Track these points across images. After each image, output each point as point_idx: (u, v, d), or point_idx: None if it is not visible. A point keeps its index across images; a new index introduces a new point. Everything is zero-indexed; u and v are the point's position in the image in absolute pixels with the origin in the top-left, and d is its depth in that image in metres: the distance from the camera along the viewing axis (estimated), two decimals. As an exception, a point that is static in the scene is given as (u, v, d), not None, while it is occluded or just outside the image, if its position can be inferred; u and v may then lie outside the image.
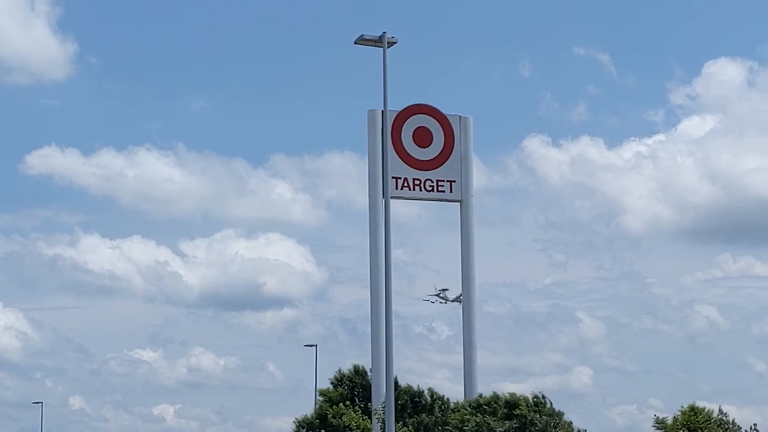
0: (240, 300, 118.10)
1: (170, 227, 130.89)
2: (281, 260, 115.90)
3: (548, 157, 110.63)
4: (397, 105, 53.93)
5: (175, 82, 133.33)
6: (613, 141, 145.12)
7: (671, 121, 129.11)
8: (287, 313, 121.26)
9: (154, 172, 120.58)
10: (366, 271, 52.75)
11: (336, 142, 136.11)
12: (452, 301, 66.20)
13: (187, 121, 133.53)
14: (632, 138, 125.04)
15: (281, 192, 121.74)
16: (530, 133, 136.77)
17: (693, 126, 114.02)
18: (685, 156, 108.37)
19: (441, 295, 64.71)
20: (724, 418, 41.17)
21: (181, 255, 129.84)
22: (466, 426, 45.66)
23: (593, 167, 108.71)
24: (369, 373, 53.62)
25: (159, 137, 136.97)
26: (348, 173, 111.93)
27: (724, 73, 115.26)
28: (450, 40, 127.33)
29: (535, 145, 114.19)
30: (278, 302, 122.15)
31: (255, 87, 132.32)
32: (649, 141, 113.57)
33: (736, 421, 41.62)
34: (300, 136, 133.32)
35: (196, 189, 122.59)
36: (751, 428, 39.77)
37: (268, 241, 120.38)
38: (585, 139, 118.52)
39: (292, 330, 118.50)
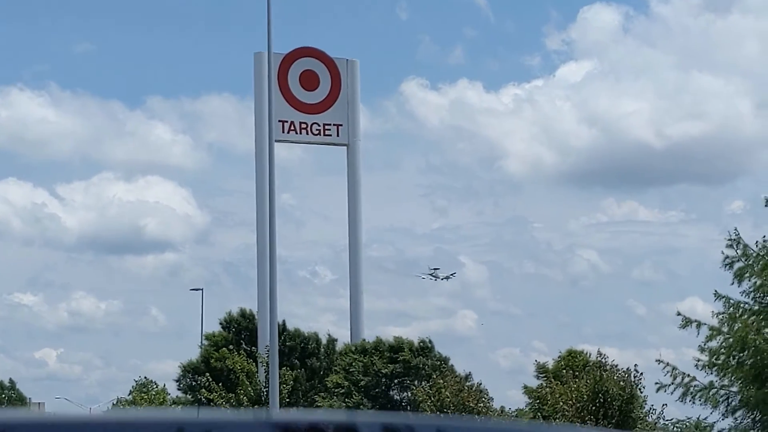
0: (120, 243, 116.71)
1: (46, 169, 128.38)
2: (161, 203, 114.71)
3: (427, 101, 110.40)
4: (281, 48, 53.76)
5: (59, 24, 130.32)
6: (492, 85, 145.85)
7: (548, 66, 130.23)
8: (169, 256, 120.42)
9: (27, 112, 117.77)
10: (253, 215, 52.74)
11: (214, 84, 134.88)
12: (443, 279, 67.49)
13: (66, 62, 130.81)
14: (511, 82, 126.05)
15: (160, 134, 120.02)
16: (408, 77, 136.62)
17: (570, 71, 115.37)
18: (563, 100, 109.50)
19: (433, 273, 65.88)
20: (603, 360, 41.91)
21: (59, 198, 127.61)
22: (353, 368, 46.10)
23: (472, 111, 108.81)
24: (256, 317, 53.67)
25: (31, 77, 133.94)
26: (227, 116, 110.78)
27: (599, 18, 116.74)
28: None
29: (414, 89, 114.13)
30: (159, 246, 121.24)
31: (135, 28, 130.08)
32: (527, 86, 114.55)
33: (616, 363, 42.23)
34: (177, 77, 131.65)
35: (71, 130, 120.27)
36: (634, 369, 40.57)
37: (148, 183, 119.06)
38: (463, 83, 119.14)
39: (174, 274, 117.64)
